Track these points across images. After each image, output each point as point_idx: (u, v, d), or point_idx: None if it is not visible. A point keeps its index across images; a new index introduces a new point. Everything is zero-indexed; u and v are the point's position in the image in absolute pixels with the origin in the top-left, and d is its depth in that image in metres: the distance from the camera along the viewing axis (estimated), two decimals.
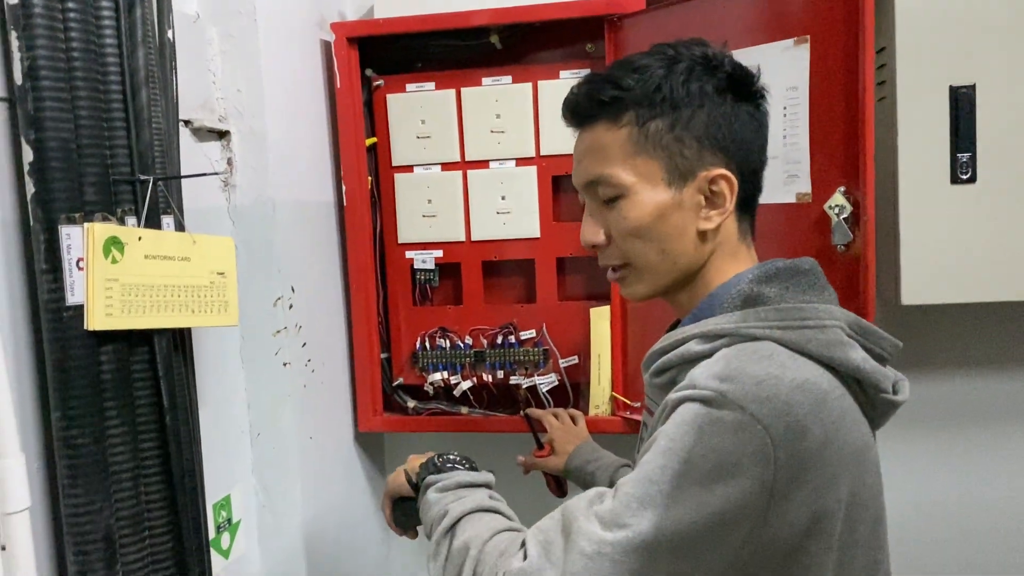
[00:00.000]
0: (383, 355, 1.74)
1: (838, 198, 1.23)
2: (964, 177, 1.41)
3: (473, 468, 1.09)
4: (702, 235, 0.93)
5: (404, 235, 1.71)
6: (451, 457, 1.10)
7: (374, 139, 1.70)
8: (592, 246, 0.99)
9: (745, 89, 0.93)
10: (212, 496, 1.30)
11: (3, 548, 0.88)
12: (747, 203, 0.96)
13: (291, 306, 1.47)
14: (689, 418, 0.81)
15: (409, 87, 1.67)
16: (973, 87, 1.39)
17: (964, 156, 1.40)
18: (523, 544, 0.86)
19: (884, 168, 1.52)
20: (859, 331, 0.90)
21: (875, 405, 0.90)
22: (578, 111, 0.97)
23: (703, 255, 0.95)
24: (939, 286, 1.44)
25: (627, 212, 0.93)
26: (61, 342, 0.98)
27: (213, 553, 1.26)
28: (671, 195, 0.92)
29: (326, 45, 1.64)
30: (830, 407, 0.82)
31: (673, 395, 0.85)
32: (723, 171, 0.91)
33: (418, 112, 1.67)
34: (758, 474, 0.79)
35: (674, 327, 1.03)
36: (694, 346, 0.90)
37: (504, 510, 0.99)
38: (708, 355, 0.88)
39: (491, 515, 0.96)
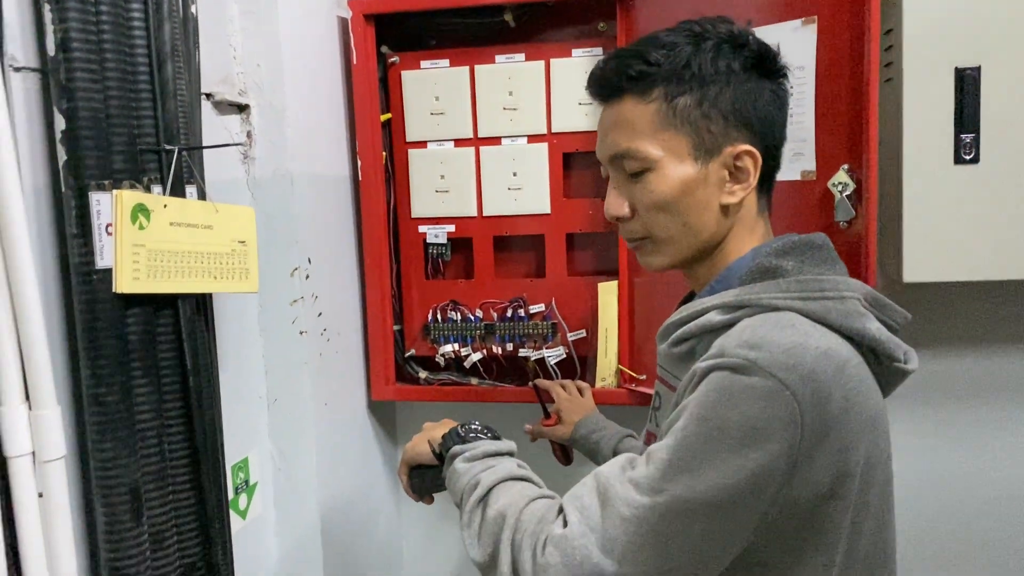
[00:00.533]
0: (396, 327, 1.78)
1: (842, 176, 1.26)
2: (967, 158, 1.43)
3: (496, 437, 1.10)
4: (725, 209, 0.96)
5: (417, 210, 1.75)
6: (474, 427, 1.11)
7: (389, 115, 1.74)
8: (616, 218, 1.01)
9: (769, 67, 0.96)
10: (231, 458, 1.35)
11: (40, 495, 0.93)
12: (767, 179, 0.99)
13: (307, 276, 1.51)
14: (722, 385, 0.83)
15: (424, 64, 1.70)
16: (978, 69, 1.42)
17: (968, 137, 1.43)
18: (560, 510, 0.88)
19: (889, 148, 1.55)
20: (873, 303, 0.94)
21: (887, 374, 0.93)
22: (606, 85, 0.98)
23: (724, 229, 0.97)
24: (941, 264, 1.47)
25: (654, 186, 0.95)
26: (91, 304, 1.02)
27: (231, 513, 1.31)
28: (697, 170, 0.94)
29: (343, 22, 1.67)
30: (849, 374, 0.85)
31: (702, 363, 0.86)
32: (748, 147, 0.94)
33: (432, 89, 1.70)
34: (787, 438, 0.81)
35: (687, 299, 1.07)
36: (715, 316, 0.92)
37: (533, 478, 1.01)
38: (729, 325, 0.90)
39: (523, 483, 0.98)
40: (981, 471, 1.79)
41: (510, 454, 1.07)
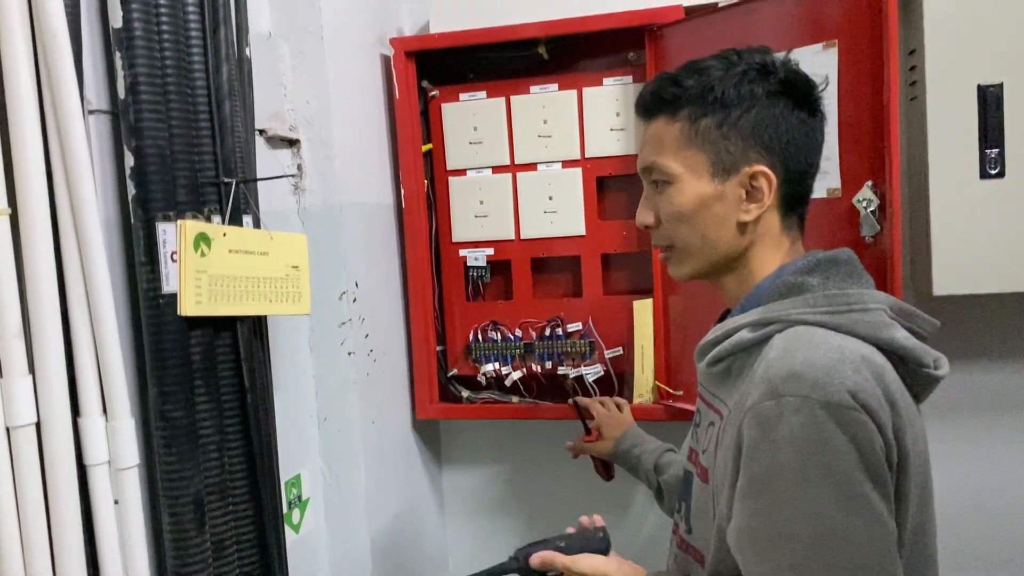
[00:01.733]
0: (439, 347, 1.85)
1: (866, 192, 1.30)
2: (993, 172, 1.46)
3: None
4: (741, 226, 1.01)
5: (458, 234, 1.82)
6: None
7: (430, 145, 1.82)
8: (644, 226, 1.08)
9: (800, 95, 1.00)
10: (284, 475, 1.42)
11: (116, 502, 1.01)
12: (792, 202, 1.02)
13: (355, 300, 1.59)
14: (795, 438, 0.84)
15: (462, 96, 1.78)
16: (1000, 86, 1.45)
17: (992, 152, 1.46)
18: None
19: (916, 164, 1.58)
20: (900, 312, 0.97)
21: (918, 380, 0.96)
22: (645, 106, 1.06)
23: (742, 244, 1.02)
24: (970, 277, 1.49)
25: (673, 198, 1.02)
26: (158, 326, 1.11)
27: (285, 527, 1.38)
28: (714, 187, 1.00)
29: (385, 59, 1.76)
30: (888, 377, 0.89)
31: (760, 409, 0.87)
32: (763, 168, 0.98)
33: (470, 119, 1.78)
34: (876, 447, 0.85)
35: (723, 318, 1.11)
36: (746, 334, 0.96)
37: None
38: (760, 342, 0.94)
39: None
40: (1012, 482, 1.79)
41: None
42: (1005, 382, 1.76)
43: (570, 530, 1.20)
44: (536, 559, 1.12)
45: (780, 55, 1.02)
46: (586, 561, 1.10)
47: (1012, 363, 1.75)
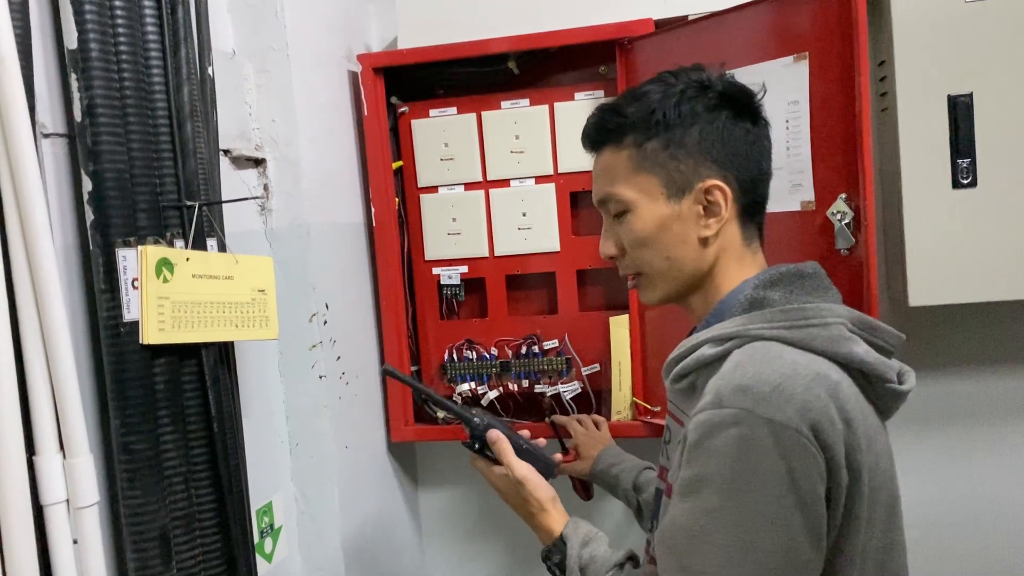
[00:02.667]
0: (413, 367, 1.82)
1: (840, 205, 1.29)
2: (965, 181, 1.46)
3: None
4: (703, 241, 1.00)
5: (431, 252, 1.80)
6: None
7: (400, 162, 1.79)
8: (609, 258, 1.08)
9: (740, 106, 1.01)
10: (255, 502, 1.38)
11: (75, 542, 0.97)
12: (749, 211, 1.02)
13: (325, 322, 1.56)
14: (729, 449, 0.85)
15: (432, 112, 1.76)
16: (970, 95, 1.45)
17: (964, 161, 1.46)
18: None
19: (889, 175, 1.58)
20: (862, 326, 0.96)
21: (881, 395, 0.95)
22: (591, 138, 1.07)
23: (708, 260, 1.01)
24: (945, 287, 1.49)
25: (633, 225, 1.02)
26: (119, 356, 1.07)
27: (257, 557, 1.34)
28: (670, 207, 1.00)
29: (353, 75, 1.74)
30: (844, 395, 0.88)
31: (700, 417, 0.88)
32: (716, 181, 0.98)
33: (441, 136, 1.76)
34: (814, 471, 0.84)
35: (691, 335, 1.10)
36: (707, 350, 0.96)
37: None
38: (721, 358, 0.93)
39: None
40: (992, 491, 1.79)
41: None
42: (981, 391, 1.76)
43: (536, 441, 1.24)
44: (493, 435, 1.18)
45: (715, 70, 1.03)
46: (525, 471, 1.15)
47: (988, 372, 1.75)
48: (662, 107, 0.99)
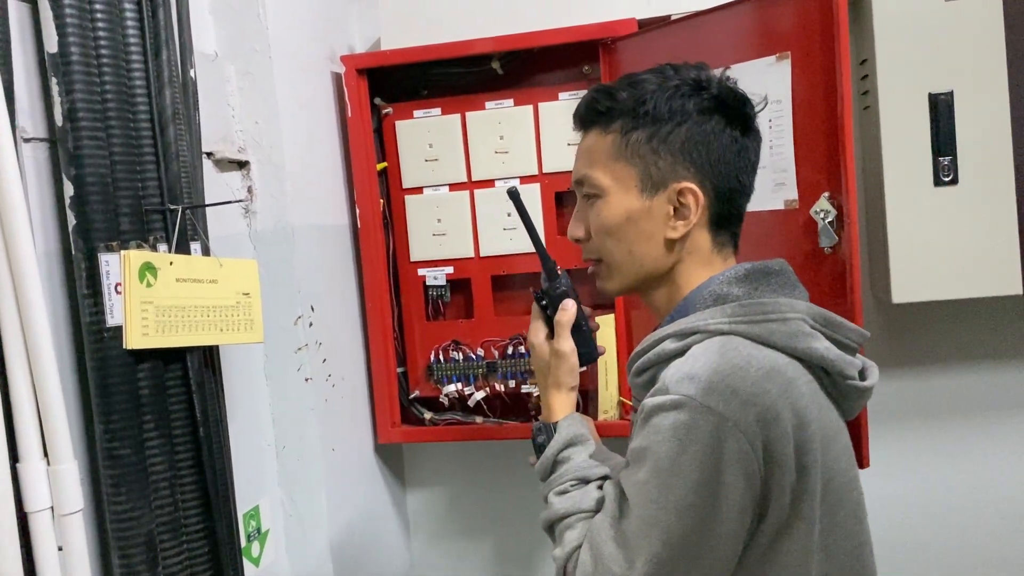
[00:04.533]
0: (399, 369, 1.82)
1: (823, 203, 1.29)
2: (946, 179, 1.48)
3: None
4: (669, 243, 0.99)
5: (416, 253, 1.79)
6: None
7: (385, 164, 1.79)
8: (575, 240, 1.07)
9: (733, 113, 0.98)
10: (242, 507, 1.38)
11: (60, 549, 0.96)
12: (723, 221, 1.01)
13: (311, 324, 1.55)
14: (667, 429, 0.86)
15: (416, 113, 1.76)
16: (951, 94, 1.47)
17: (945, 159, 1.47)
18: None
19: (871, 173, 1.60)
20: (823, 322, 0.96)
21: (843, 392, 0.96)
22: (580, 117, 1.05)
23: (668, 262, 1.01)
24: (927, 284, 1.50)
25: (601, 211, 1.01)
26: (103, 361, 1.07)
27: (245, 561, 1.33)
28: (641, 202, 0.98)
29: (337, 77, 1.73)
30: (799, 392, 0.88)
31: (648, 400, 0.90)
32: (691, 185, 0.97)
33: (425, 136, 1.76)
34: (742, 468, 0.85)
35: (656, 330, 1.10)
36: (668, 345, 0.96)
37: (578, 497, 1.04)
38: (681, 352, 0.93)
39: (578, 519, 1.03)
40: (973, 485, 1.80)
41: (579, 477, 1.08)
42: (963, 386, 1.78)
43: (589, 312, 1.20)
44: (568, 304, 1.13)
45: (718, 71, 1.01)
46: (568, 347, 1.12)
47: (970, 368, 1.77)
48: (654, 99, 0.97)
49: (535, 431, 1.13)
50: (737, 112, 0.99)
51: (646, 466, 0.88)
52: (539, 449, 1.11)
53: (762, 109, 1.02)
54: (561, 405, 1.13)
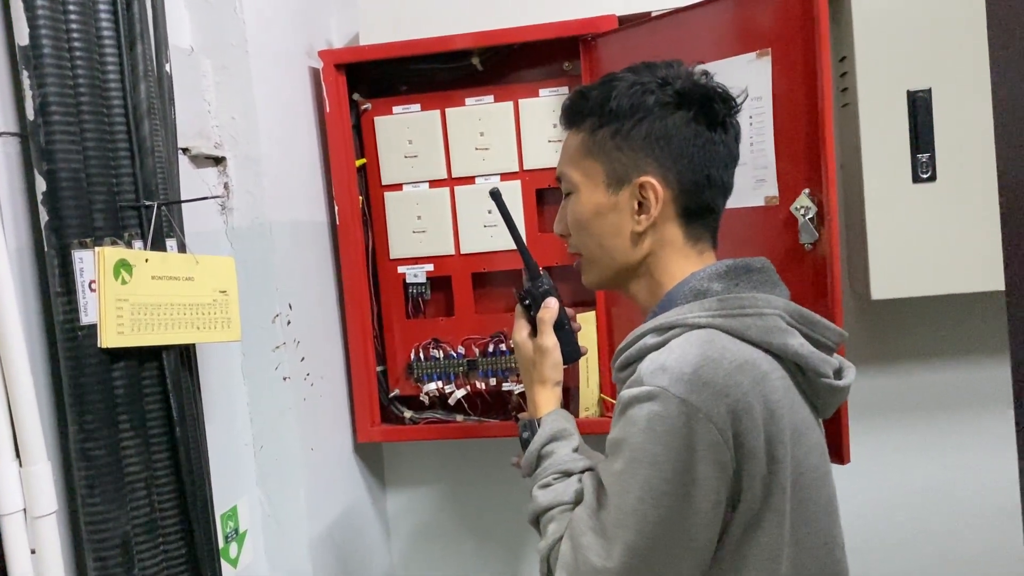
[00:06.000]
0: (379, 367, 1.80)
1: (803, 200, 1.30)
2: (925, 176, 1.49)
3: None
4: (635, 236, 1.02)
5: (396, 251, 1.78)
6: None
7: (363, 160, 1.77)
8: (560, 235, 1.11)
9: (697, 107, 0.99)
10: (219, 507, 1.36)
11: (33, 552, 0.94)
12: (695, 214, 1.01)
13: (289, 322, 1.53)
14: (642, 420, 0.88)
15: (395, 109, 1.74)
16: (929, 91, 1.48)
17: (924, 156, 1.48)
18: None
19: (850, 170, 1.60)
20: (801, 320, 0.97)
21: (818, 390, 0.97)
22: (562, 117, 1.09)
23: (637, 255, 1.03)
24: (906, 280, 1.52)
25: (574, 206, 1.05)
26: (76, 360, 1.04)
27: (223, 563, 1.32)
28: (608, 197, 1.02)
29: (315, 72, 1.71)
30: (772, 386, 0.90)
31: (625, 392, 0.92)
32: (650, 179, 0.98)
33: (405, 133, 1.74)
34: (714, 458, 0.86)
35: None
36: (649, 340, 0.97)
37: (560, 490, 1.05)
38: (661, 346, 0.94)
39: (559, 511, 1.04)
40: (952, 480, 1.82)
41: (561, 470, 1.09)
42: (942, 382, 1.79)
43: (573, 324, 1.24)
44: (551, 302, 1.17)
45: (698, 67, 1.03)
46: (552, 343, 1.16)
47: (949, 364, 1.78)
48: (618, 97, 1.00)
49: (520, 427, 1.15)
50: (702, 107, 0.99)
51: (622, 457, 0.90)
52: (525, 444, 1.12)
53: (740, 103, 1.03)
54: (545, 400, 1.15)
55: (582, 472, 1.04)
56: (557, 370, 1.17)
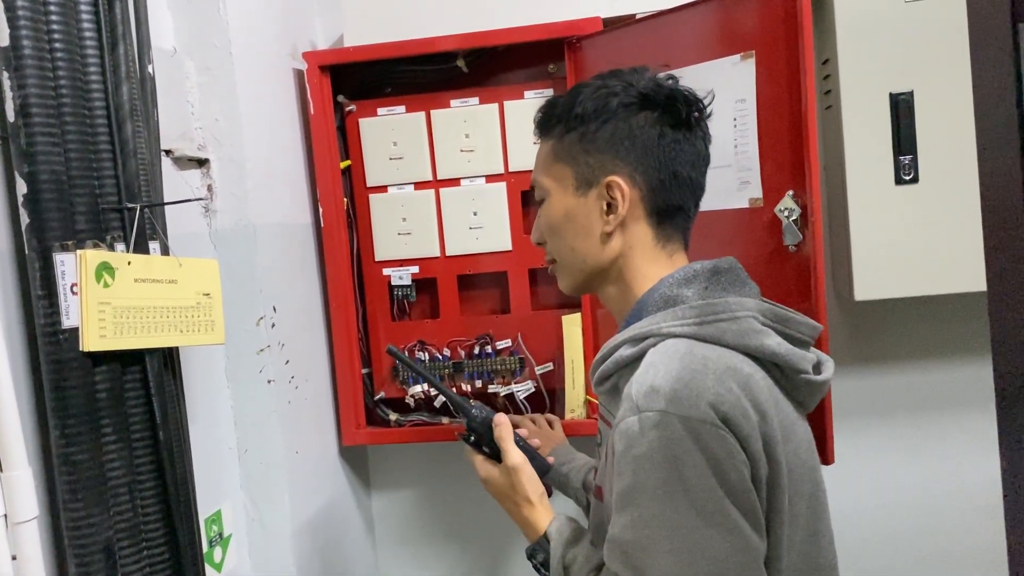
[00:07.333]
0: (364, 370, 1.80)
1: (787, 202, 1.30)
2: (907, 178, 1.50)
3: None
4: (605, 237, 1.03)
5: (381, 253, 1.77)
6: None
7: (348, 162, 1.77)
8: (535, 243, 1.12)
9: (660, 108, 1.01)
10: (203, 511, 1.35)
11: (14, 558, 0.93)
12: (664, 214, 1.02)
13: (273, 325, 1.53)
14: (655, 454, 0.86)
15: (380, 111, 1.74)
16: (911, 93, 1.49)
17: (906, 158, 1.49)
18: None
19: (834, 172, 1.61)
20: (774, 318, 0.97)
21: (798, 386, 0.97)
22: (535, 127, 1.11)
23: (608, 256, 1.03)
24: (889, 282, 1.52)
25: (546, 212, 1.07)
26: (58, 364, 1.03)
27: (207, 567, 1.31)
28: (577, 199, 1.03)
29: (299, 74, 1.71)
30: (757, 387, 0.90)
31: (622, 424, 0.89)
32: (616, 179, 1.00)
33: (390, 135, 1.74)
34: (734, 464, 0.86)
35: None
36: (624, 351, 0.97)
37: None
38: (638, 357, 0.95)
39: None
40: (936, 480, 1.83)
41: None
42: (925, 383, 1.80)
43: (531, 440, 1.21)
44: (500, 418, 1.14)
45: (663, 73, 1.05)
46: (520, 459, 1.12)
47: (932, 364, 1.80)
48: (583, 102, 1.01)
49: (529, 555, 1.11)
50: (665, 107, 1.01)
51: (647, 500, 0.87)
52: (545, 565, 1.08)
53: (708, 104, 1.04)
54: (539, 517, 1.11)
55: None
56: (535, 482, 1.12)
